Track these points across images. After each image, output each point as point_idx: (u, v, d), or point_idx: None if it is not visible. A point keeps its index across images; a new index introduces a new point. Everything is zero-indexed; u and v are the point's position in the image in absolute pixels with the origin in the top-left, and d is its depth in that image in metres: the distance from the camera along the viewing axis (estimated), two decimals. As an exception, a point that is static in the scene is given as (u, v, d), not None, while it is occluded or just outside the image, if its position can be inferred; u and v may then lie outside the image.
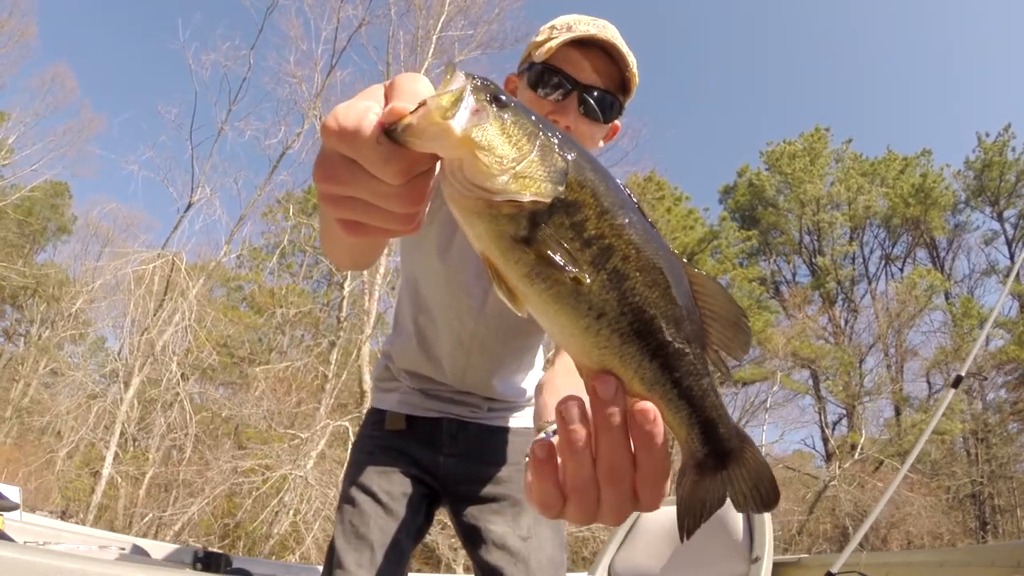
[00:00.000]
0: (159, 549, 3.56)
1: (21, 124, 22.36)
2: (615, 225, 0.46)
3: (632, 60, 1.20)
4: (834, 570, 2.61)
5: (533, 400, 1.30)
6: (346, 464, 1.57)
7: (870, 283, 24.42)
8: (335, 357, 14.75)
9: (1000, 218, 23.98)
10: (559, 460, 0.54)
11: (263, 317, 19.21)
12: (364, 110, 0.46)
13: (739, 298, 19.80)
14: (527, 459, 0.59)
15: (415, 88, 0.46)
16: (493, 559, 1.39)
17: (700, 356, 0.52)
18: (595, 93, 1.18)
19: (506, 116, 0.45)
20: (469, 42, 15.85)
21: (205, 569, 3.32)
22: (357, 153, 0.46)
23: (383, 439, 1.52)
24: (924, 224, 23.51)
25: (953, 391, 3.19)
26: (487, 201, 0.44)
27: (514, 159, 0.44)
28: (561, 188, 0.45)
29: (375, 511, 1.40)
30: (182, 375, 14.45)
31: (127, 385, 14.22)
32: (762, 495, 0.57)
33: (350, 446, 1.41)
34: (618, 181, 0.49)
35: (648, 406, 0.50)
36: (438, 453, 1.51)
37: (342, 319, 15.03)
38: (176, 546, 3.69)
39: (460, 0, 15.68)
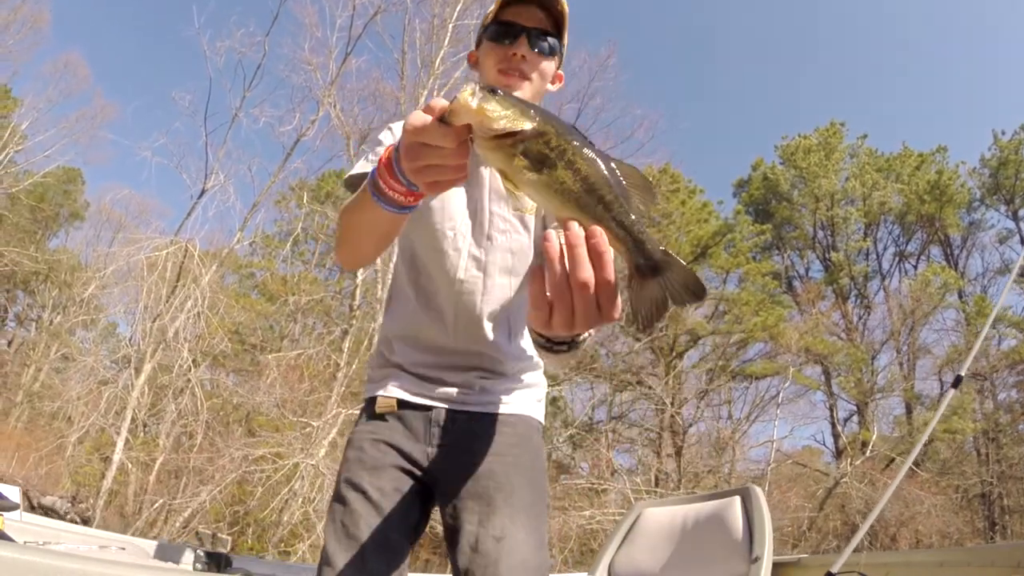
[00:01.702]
0: (160, 549, 3.55)
1: (34, 110, 22.50)
2: (567, 139, 0.78)
3: (563, 5, 1.46)
4: (834, 570, 2.59)
5: (524, 382, 1.52)
6: (340, 461, 1.53)
7: (883, 280, 24.31)
8: (347, 345, 14.75)
9: (1015, 217, 23.82)
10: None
11: (275, 305, 19.22)
12: (423, 113, 0.84)
13: (752, 292, 19.80)
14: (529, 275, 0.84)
15: (441, 103, 0.82)
16: (463, 562, 1.32)
17: (627, 205, 0.79)
18: (537, 32, 1.45)
19: (498, 94, 0.80)
20: (485, 31, 15.75)
21: (205, 569, 3.30)
22: (427, 137, 0.84)
23: (374, 432, 1.48)
24: (939, 221, 23.37)
25: (953, 391, 3.13)
26: (497, 140, 0.79)
27: (506, 113, 0.78)
28: (535, 124, 0.78)
29: (366, 510, 1.36)
30: (193, 361, 14.46)
31: (138, 371, 14.24)
32: (692, 289, 0.81)
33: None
34: (568, 122, 0.82)
35: (596, 228, 0.76)
36: (426, 445, 1.46)
37: (355, 307, 15.01)
38: (177, 546, 3.67)
39: (476, -12, 15.60)
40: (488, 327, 1.50)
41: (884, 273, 24.58)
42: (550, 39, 1.47)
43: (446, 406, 1.48)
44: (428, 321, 1.51)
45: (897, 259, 24.72)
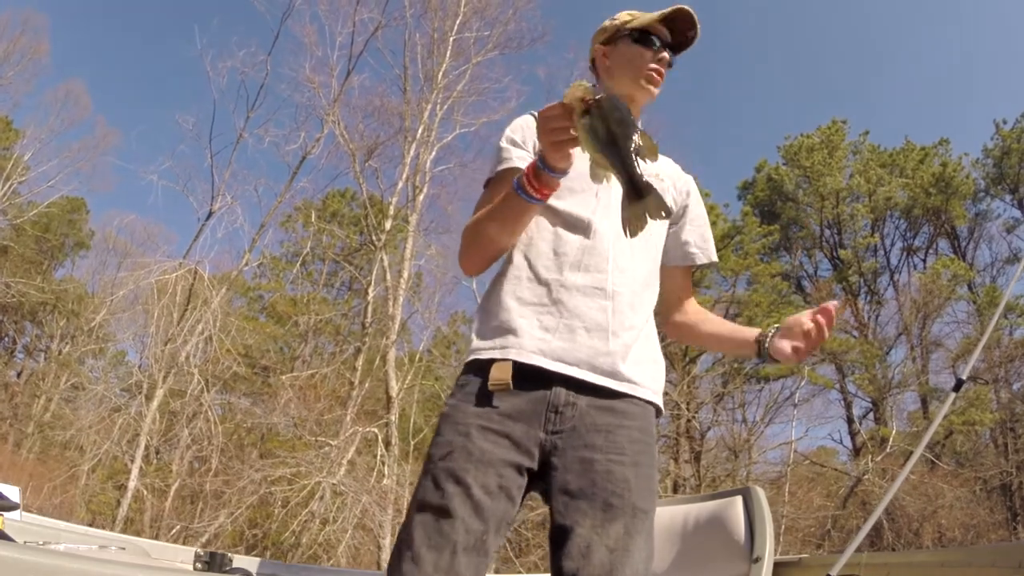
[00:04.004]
0: (160, 549, 3.52)
1: (37, 141, 22.53)
2: (610, 112, 1.16)
3: (698, 28, 1.68)
4: (833, 572, 2.53)
5: (652, 354, 1.49)
6: (434, 437, 1.38)
7: (892, 275, 24.28)
8: (360, 364, 14.70)
9: (1021, 205, 23.86)
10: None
11: (285, 326, 19.19)
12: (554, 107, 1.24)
13: (763, 293, 19.74)
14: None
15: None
16: (570, 566, 1.24)
17: (630, 154, 1.18)
18: (671, 46, 1.69)
19: (590, 85, 1.21)
20: (485, 43, 15.85)
21: (206, 569, 3.25)
22: (551, 111, 1.23)
23: (483, 418, 1.34)
24: (945, 214, 23.37)
25: (954, 395, 3.07)
26: (579, 99, 1.18)
27: (587, 87, 1.18)
28: (598, 96, 1.16)
29: (464, 508, 1.25)
30: (206, 383, 14.39)
31: (150, 397, 14.17)
32: (665, 211, 1.23)
33: (442, 412, 1.21)
34: (619, 102, 1.18)
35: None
36: (540, 430, 1.34)
37: (367, 325, 14.96)
38: (177, 546, 3.64)
39: (476, 1, 15.68)
40: (628, 249, 1.50)
41: (893, 268, 24.58)
42: (674, 54, 1.71)
43: (570, 372, 1.37)
44: (569, 228, 1.51)
45: (905, 253, 24.73)
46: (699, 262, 1.71)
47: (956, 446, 19.67)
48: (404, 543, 1.27)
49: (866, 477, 16.38)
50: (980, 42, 38.86)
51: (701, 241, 1.72)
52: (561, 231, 1.49)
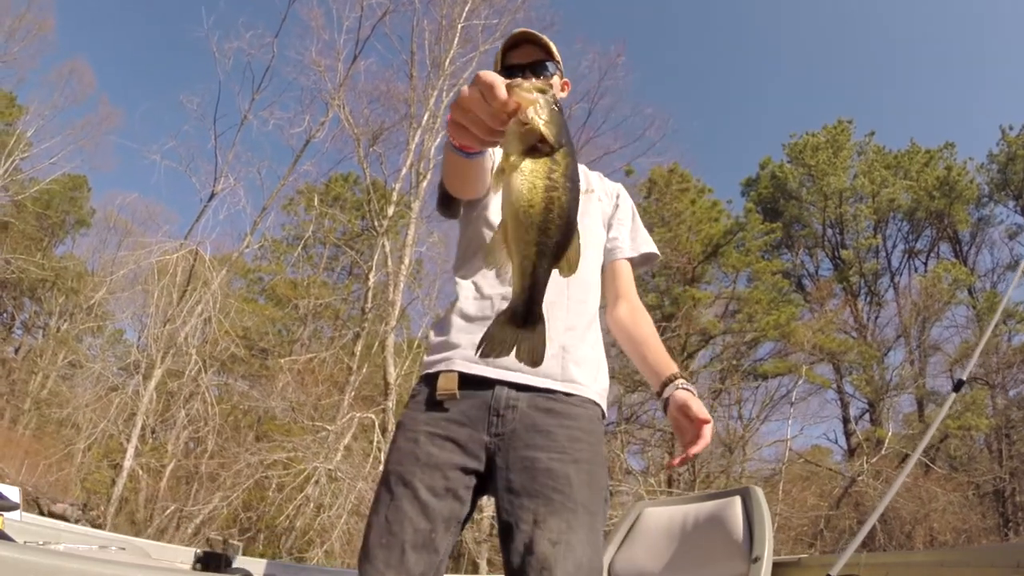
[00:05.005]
0: (159, 549, 3.54)
1: (40, 117, 22.48)
2: (563, 178, 0.87)
3: (545, 38, 1.77)
4: (833, 572, 2.54)
5: (593, 358, 1.53)
6: (390, 443, 1.50)
7: (893, 277, 24.28)
8: (359, 349, 14.69)
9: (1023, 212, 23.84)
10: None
11: (285, 309, 19.19)
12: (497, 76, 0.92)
13: (764, 291, 19.70)
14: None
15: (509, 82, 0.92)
16: (516, 561, 1.31)
17: (551, 266, 0.91)
18: (534, 65, 1.76)
19: (558, 110, 0.90)
20: (494, 31, 15.73)
21: (205, 569, 3.27)
22: (492, 91, 0.91)
23: (431, 424, 1.44)
24: (948, 218, 23.34)
25: (954, 395, 3.08)
26: (529, 130, 0.88)
27: (549, 121, 0.88)
28: (557, 146, 0.88)
29: (413, 509, 1.35)
30: (204, 364, 14.38)
31: (148, 377, 14.16)
32: (532, 356, 0.97)
33: (397, 421, 1.32)
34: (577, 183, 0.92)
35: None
36: (484, 434, 1.42)
37: (366, 310, 14.94)
38: (176, 546, 3.66)
39: (484, -12, 15.57)
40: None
41: (894, 270, 24.59)
42: (546, 64, 1.79)
43: (511, 378, 1.44)
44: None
45: (907, 256, 24.73)
46: (621, 256, 1.77)
47: (951, 450, 19.70)
48: (363, 543, 1.37)
49: (860, 478, 16.39)
50: (989, 47, 38.78)
51: (627, 238, 1.80)
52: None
